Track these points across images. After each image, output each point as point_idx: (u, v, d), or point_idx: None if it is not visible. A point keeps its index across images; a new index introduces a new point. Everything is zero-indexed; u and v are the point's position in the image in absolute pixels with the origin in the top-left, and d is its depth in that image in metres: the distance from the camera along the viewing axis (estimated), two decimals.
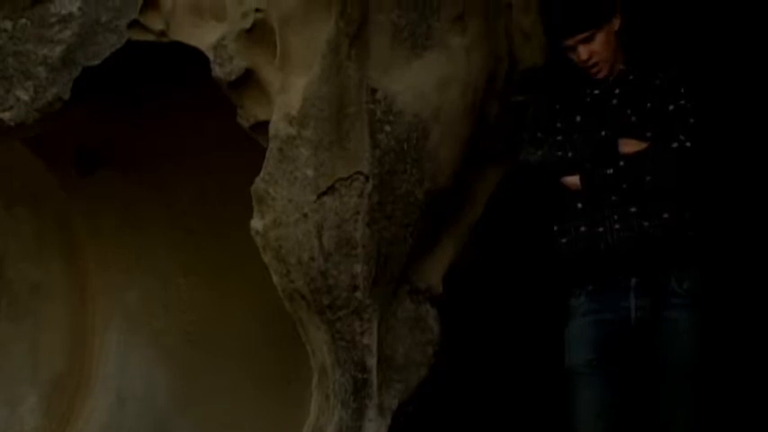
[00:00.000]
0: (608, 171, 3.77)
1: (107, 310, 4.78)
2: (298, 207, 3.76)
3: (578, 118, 3.86)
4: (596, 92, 3.89)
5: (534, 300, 4.85)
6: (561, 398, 3.87)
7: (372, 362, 3.79)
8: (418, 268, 3.95)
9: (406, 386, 3.87)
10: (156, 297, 4.79)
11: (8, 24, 4.08)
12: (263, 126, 3.90)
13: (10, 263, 4.68)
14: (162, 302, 4.80)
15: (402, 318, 3.91)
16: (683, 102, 3.82)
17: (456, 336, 4.14)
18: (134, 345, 4.78)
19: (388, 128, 3.80)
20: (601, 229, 3.77)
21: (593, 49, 3.82)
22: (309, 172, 3.76)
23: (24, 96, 4.07)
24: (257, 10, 3.84)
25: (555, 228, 3.85)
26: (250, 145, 4.02)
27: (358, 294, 3.77)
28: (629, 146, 3.79)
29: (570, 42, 3.82)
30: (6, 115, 4.08)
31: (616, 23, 3.84)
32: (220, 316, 4.77)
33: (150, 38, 4.03)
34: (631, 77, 3.89)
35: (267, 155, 3.82)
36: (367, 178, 3.77)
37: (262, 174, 3.81)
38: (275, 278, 3.83)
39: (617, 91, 3.88)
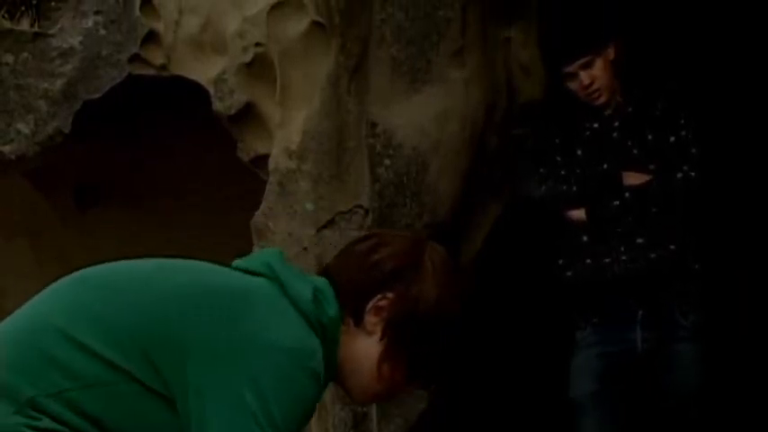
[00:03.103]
0: (614, 203, 3.78)
1: None
2: (298, 240, 3.77)
3: (579, 152, 3.87)
4: (595, 125, 3.89)
5: (537, 332, 4.84)
6: (565, 430, 3.86)
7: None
8: None
9: (405, 420, 3.86)
10: None
11: (10, 58, 4.10)
12: (262, 160, 3.91)
13: (9, 296, 4.68)
14: None
15: None
16: (683, 132, 3.83)
17: (456, 369, 4.12)
18: None
19: (387, 161, 3.81)
20: (608, 260, 3.77)
21: (593, 75, 3.82)
22: (309, 205, 3.76)
23: (25, 129, 4.08)
24: (257, 44, 3.85)
25: (560, 261, 3.85)
26: (250, 179, 4.03)
27: None
28: (632, 178, 3.80)
29: (571, 69, 3.83)
30: (7, 148, 4.09)
31: (611, 53, 3.86)
32: None
33: (151, 72, 4.05)
34: (630, 110, 3.90)
35: (267, 188, 3.82)
36: (367, 212, 3.77)
37: (261, 207, 3.82)
38: None
39: (616, 124, 3.88)
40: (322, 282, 2.14)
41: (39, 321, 2.12)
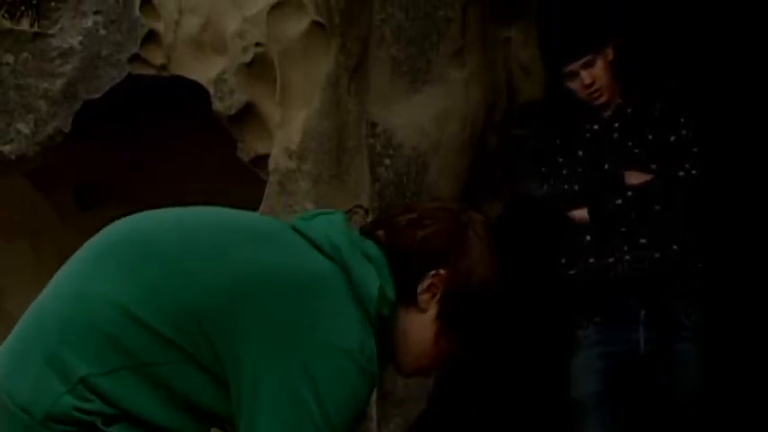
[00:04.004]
0: (616, 202, 3.78)
1: None
2: None
3: (580, 152, 3.87)
4: (596, 127, 3.90)
5: (538, 332, 4.84)
6: (566, 430, 3.86)
7: (372, 396, 3.78)
8: None
9: (405, 420, 3.86)
10: None
11: (10, 58, 4.10)
12: (262, 160, 3.91)
13: (9, 296, 4.68)
14: None
15: None
16: (683, 132, 3.83)
17: (456, 368, 4.13)
18: None
19: (387, 161, 3.81)
20: (611, 260, 3.77)
21: (594, 74, 3.82)
22: (309, 205, 3.76)
23: (25, 130, 4.08)
24: (257, 44, 3.85)
25: (562, 260, 3.85)
26: (250, 179, 4.03)
27: None
28: (634, 177, 3.80)
29: (572, 68, 3.83)
30: (7, 148, 4.09)
31: (611, 53, 3.86)
32: None
33: (151, 72, 4.05)
34: (629, 110, 3.90)
35: (267, 188, 3.82)
36: (367, 211, 3.77)
37: (261, 207, 3.82)
38: None
39: (616, 125, 3.89)
40: (381, 261, 2.11)
41: (89, 296, 2.06)
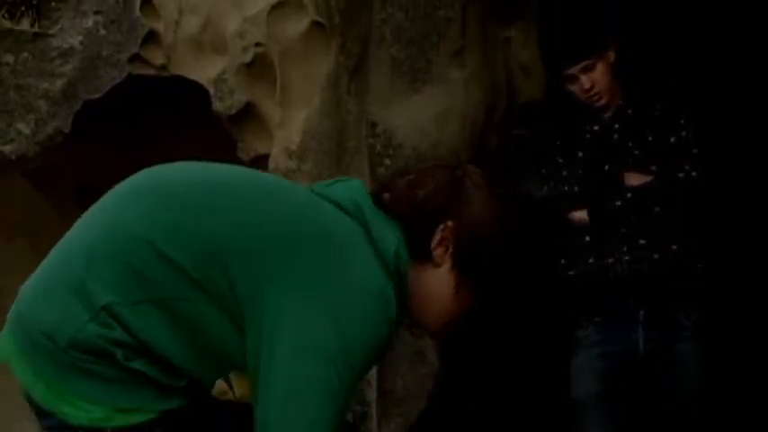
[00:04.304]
0: (616, 203, 3.78)
1: None
2: None
3: (580, 153, 3.87)
4: (596, 128, 3.90)
5: (538, 332, 4.84)
6: (566, 430, 3.86)
7: (372, 395, 3.78)
8: None
9: (405, 420, 3.86)
10: None
11: (10, 58, 4.10)
12: (262, 160, 3.91)
13: (9, 296, 4.68)
14: None
15: (402, 351, 3.90)
16: (683, 133, 3.83)
17: (457, 368, 4.13)
18: None
19: (387, 161, 3.81)
20: (611, 261, 3.77)
21: (594, 78, 3.82)
22: None
23: (25, 130, 4.08)
24: (257, 44, 3.85)
25: (562, 261, 3.85)
26: None
27: None
28: (634, 178, 3.80)
29: (573, 71, 3.83)
30: (7, 148, 4.09)
31: (612, 56, 3.86)
32: None
33: (151, 72, 4.05)
34: (630, 111, 3.90)
35: None
36: None
37: None
38: None
39: (617, 126, 3.89)
40: (394, 223, 2.19)
41: (116, 230, 2.12)
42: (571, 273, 3.83)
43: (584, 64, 3.81)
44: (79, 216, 2.39)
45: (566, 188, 3.83)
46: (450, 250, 2.20)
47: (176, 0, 3.96)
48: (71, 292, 2.08)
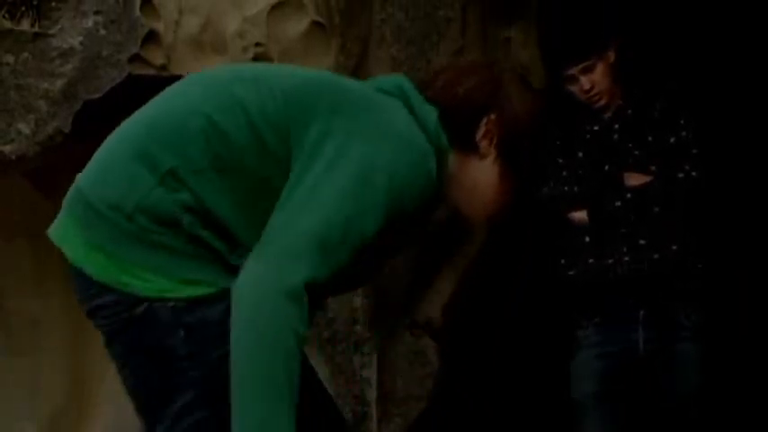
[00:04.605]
0: (616, 203, 3.78)
1: None
2: None
3: (580, 154, 3.88)
4: (596, 128, 3.90)
5: (538, 332, 4.85)
6: (565, 430, 3.86)
7: (372, 395, 3.78)
8: (418, 301, 3.94)
9: (405, 420, 3.87)
10: None
11: (10, 58, 4.10)
12: None
13: (9, 296, 4.68)
14: None
15: (402, 351, 3.90)
16: (683, 133, 3.84)
17: (457, 368, 4.13)
18: None
19: None
20: (610, 261, 3.77)
21: (594, 79, 3.83)
22: None
23: (25, 130, 4.08)
24: (257, 44, 3.85)
25: (562, 261, 3.85)
26: None
27: (358, 328, 3.76)
28: (634, 179, 3.80)
29: (572, 72, 3.83)
30: (7, 148, 4.09)
31: (611, 56, 3.86)
32: None
33: (151, 72, 4.05)
34: (629, 112, 3.91)
35: None
36: None
37: None
38: None
39: (617, 126, 3.89)
40: (436, 113, 2.28)
41: (176, 104, 2.19)
42: (571, 273, 3.84)
43: (583, 65, 3.81)
44: None
45: (566, 188, 3.83)
46: (495, 141, 2.30)
47: (176, 0, 3.96)
48: (135, 160, 2.13)
